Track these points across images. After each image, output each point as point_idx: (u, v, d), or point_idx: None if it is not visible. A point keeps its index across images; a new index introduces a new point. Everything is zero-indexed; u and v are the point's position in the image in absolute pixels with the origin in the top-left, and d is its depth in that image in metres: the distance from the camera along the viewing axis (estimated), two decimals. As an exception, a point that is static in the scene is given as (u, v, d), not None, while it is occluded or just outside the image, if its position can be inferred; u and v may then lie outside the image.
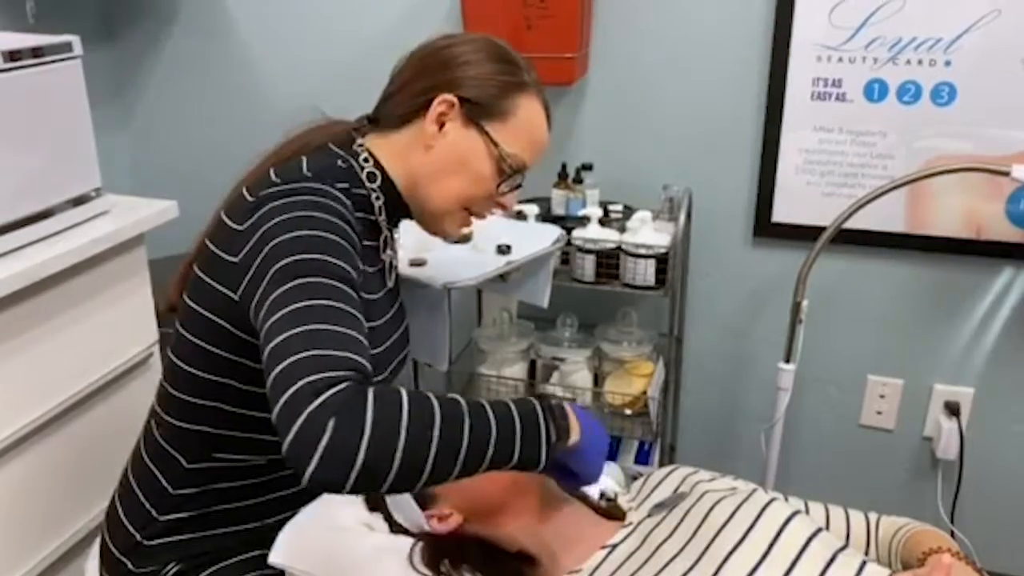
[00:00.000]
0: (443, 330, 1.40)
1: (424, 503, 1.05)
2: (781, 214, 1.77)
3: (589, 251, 1.64)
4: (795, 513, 0.94)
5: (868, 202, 1.52)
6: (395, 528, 1.10)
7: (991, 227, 1.66)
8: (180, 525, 1.06)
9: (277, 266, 0.86)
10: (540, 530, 1.02)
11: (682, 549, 0.93)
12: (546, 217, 1.71)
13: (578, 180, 1.76)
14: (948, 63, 1.58)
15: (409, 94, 1.06)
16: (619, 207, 1.75)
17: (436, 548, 1.04)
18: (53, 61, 1.34)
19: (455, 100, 1.03)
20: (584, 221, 1.66)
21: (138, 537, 1.06)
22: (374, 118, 1.11)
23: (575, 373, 1.77)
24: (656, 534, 0.98)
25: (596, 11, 1.75)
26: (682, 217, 1.64)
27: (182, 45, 2.08)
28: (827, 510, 1.09)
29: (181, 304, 1.04)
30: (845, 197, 1.69)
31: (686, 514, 0.98)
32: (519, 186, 1.10)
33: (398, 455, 0.74)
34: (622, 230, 1.66)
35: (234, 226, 0.96)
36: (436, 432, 0.77)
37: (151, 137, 2.19)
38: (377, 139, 1.08)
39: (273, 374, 0.76)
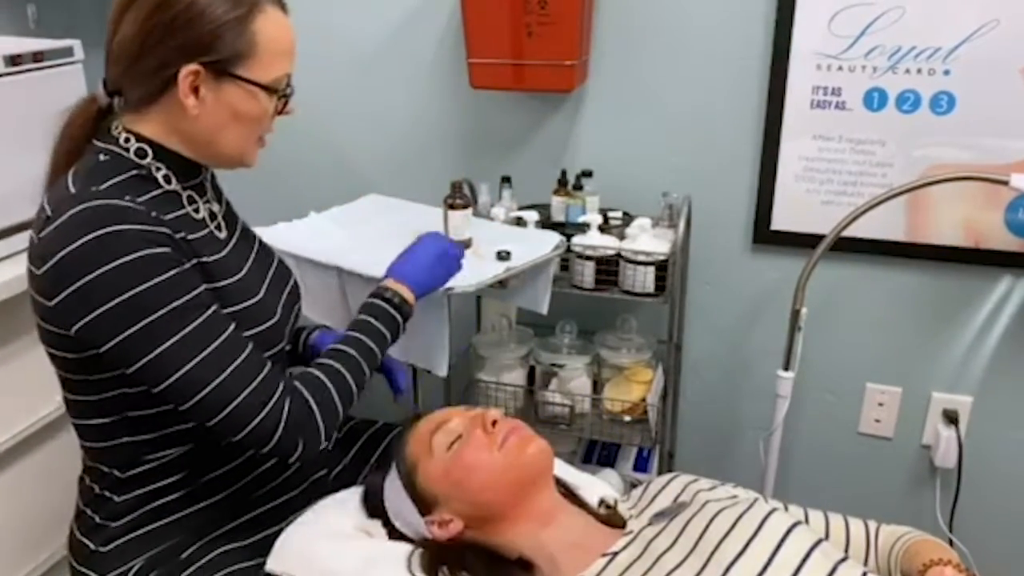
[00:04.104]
0: (442, 336, 1.40)
1: (424, 509, 1.05)
2: (780, 222, 1.77)
3: (589, 258, 1.64)
4: (796, 524, 0.94)
5: (867, 210, 1.52)
6: (394, 534, 1.09)
7: (990, 236, 1.66)
8: (135, 525, 1.08)
9: (117, 303, 0.91)
10: (541, 537, 1.02)
11: (684, 559, 0.93)
12: (546, 224, 1.71)
13: (578, 187, 1.76)
14: (947, 72, 1.59)
15: (144, 73, 0.98)
16: (619, 214, 1.75)
17: (435, 554, 1.04)
18: (54, 65, 1.35)
19: (198, 68, 0.96)
20: (584, 228, 1.66)
21: (97, 548, 1.08)
22: (114, 92, 1.03)
23: (574, 380, 1.77)
24: (657, 543, 0.98)
25: (596, 19, 1.75)
26: (681, 224, 1.64)
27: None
28: (827, 518, 1.09)
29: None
30: (844, 205, 1.70)
31: (687, 524, 0.98)
32: (292, 92, 1.07)
33: (339, 408, 1.04)
34: (621, 237, 1.66)
35: (33, 268, 0.96)
36: (352, 382, 1.06)
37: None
38: (133, 117, 1.02)
39: (198, 401, 0.95)
